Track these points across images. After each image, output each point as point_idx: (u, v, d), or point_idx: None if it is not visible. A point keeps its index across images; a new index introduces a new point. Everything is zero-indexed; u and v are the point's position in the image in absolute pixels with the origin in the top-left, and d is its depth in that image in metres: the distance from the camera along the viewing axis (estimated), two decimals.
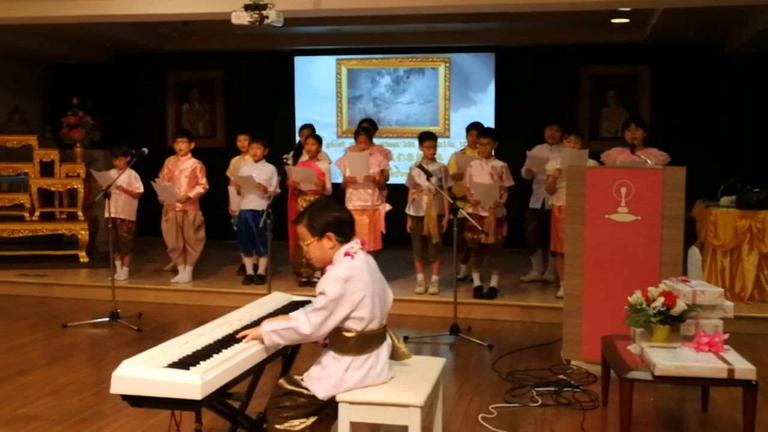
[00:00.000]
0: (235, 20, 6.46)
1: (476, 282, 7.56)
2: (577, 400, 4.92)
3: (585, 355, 5.50)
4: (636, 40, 9.52)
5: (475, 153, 7.83)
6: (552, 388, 5.13)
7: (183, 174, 8.03)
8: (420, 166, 6.92)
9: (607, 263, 5.37)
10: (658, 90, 10.16)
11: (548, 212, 7.56)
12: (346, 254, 3.27)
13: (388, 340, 3.42)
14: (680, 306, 4.19)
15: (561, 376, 5.39)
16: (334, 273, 3.21)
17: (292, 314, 3.49)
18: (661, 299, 4.20)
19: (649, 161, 5.86)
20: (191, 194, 8.00)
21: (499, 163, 7.29)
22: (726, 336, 4.21)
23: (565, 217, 5.93)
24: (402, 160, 10.51)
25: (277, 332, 3.24)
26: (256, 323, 3.52)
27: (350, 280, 3.19)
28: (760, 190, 7.17)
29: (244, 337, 3.29)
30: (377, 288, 3.30)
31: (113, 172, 8.00)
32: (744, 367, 3.90)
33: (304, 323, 3.19)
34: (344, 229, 3.31)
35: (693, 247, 5.72)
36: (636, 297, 4.33)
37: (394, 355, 3.48)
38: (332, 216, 3.30)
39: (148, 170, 8.39)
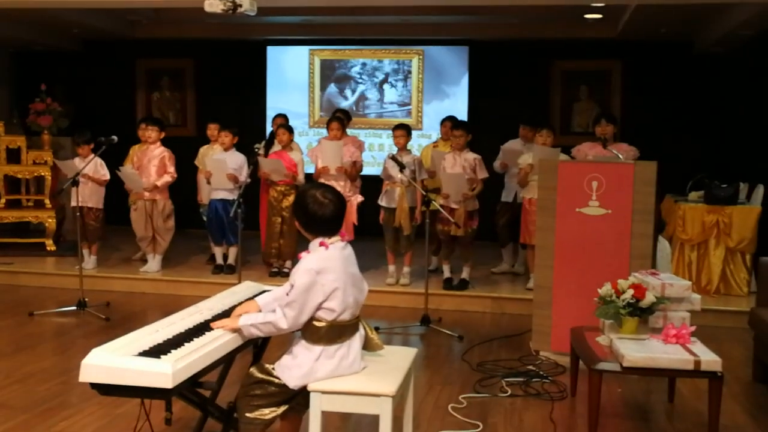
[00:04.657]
0: (208, 8, 6.39)
1: (446, 273, 7.58)
2: (546, 391, 4.96)
3: (554, 346, 5.55)
4: (608, 36, 9.58)
5: (447, 146, 7.85)
6: (521, 379, 5.17)
7: (152, 162, 7.95)
8: (393, 158, 6.92)
9: (577, 256, 5.42)
10: (629, 86, 10.25)
11: (520, 205, 7.60)
12: (321, 244, 3.25)
13: (361, 331, 3.41)
14: (649, 298, 4.24)
15: (530, 367, 5.44)
16: (306, 264, 3.19)
17: (259, 299, 3.48)
18: (631, 291, 4.24)
19: (621, 156, 5.92)
20: (159, 183, 7.91)
21: (471, 156, 7.30)
22: (693, 328, 4.26)
23: (535, 210, 5.97)
24: (374, 150, 10.50)
25: (255, 326, 3.24)
26: (227, 312, 3.50)
27: (322, 272, 3.17)
28: (727, 186, 7.28)
29: (219, 325, 3.28)
30: (351, 280, 3.29)
31: (77, 161, 7.92)
32: (710, 359, 3.96)
33: (281, 318, 3.19)
34: (322, 226, 3.26)
35: (662, 239, 5.79)
36: (606, 289, 4.37)
37: (367, 346, 3.47)
38: (314, 211, 3.22)
39: (116, 158, 8.31)
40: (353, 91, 10.86)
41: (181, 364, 2.86)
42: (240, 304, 3.66)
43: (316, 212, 3.23)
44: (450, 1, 7.68)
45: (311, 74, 10.93)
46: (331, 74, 10.89)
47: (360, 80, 10.83)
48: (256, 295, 3.84)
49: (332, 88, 10.91)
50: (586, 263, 5.38)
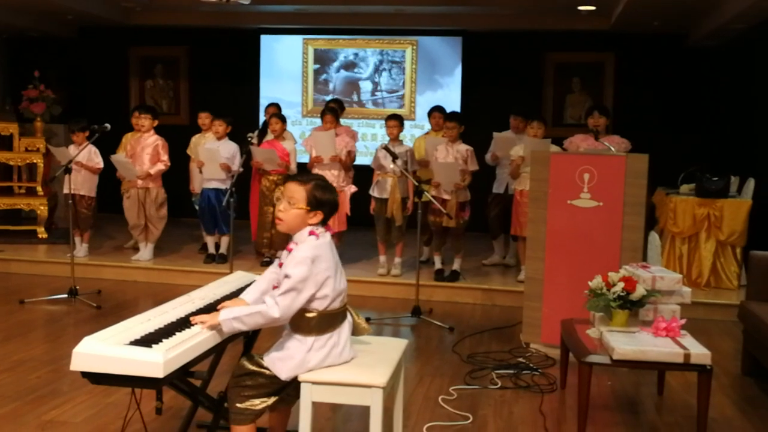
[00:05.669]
0: None
1: (437, 265, 7.59)
2: (536, 383, 4.98)
3: (544, 338, 5.57)
4: (601, 28, 9.60)
5: (438, 136, 7.85)
6: (511, 371, 5.19)
7: (145, 151, 7.92)
8: (386, 148, 6.92)
9: (568, 248, 5.43)
10: (621, 78, 10.27)
11: (511, 197, 7.61)
12: (311, 233, 3.25)
13: (349, 318, 3.42)
14: (640, 291, 4.25)
15: (520, 359, 5.46)
16: (301, 253, 3.18)
17: (246, 297, 3.42)
18: (621, 284, 4.25)
19: (612, 148, 5.93)
20: (152, 171, 7.90)
21: (464, 147, 7.30)
22: (683, 321, 4.28)
23: (526, 201, 5.99)
24: (366, 140, 10.50)
25: (238, 319, 3.16)
26: (213, 305, 3.45)
27: (316, 261, 3.17)
28: (718, 179, 7.30)
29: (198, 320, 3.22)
30: (337, 267, 3.31)
31: (71, 148, 7.89)
32: (699, 352, 3.97)
33: (273, 306, 3.14)
34: (330, 216, 3.34)
35: (653, 233, 5.81)
36: (596, 282, 4.38)
37: (355, 331, 3.48)
38: (333, 199, 3.30)
39: (109, 146, 8.28)
40: (346, 81, 10.83)
41: (172, 354, 2.86)
42: (232, 294, 3.66)
43: (336, 204, 3.34)
44: None
45: (305, 63, 10.91)
46: (325, 63, 10.86)
47: (353, 70, 10.81)
48: (248, 285, 3.84)
49: (325, 77, 10.89)
50: (577, 255, 5.39)
